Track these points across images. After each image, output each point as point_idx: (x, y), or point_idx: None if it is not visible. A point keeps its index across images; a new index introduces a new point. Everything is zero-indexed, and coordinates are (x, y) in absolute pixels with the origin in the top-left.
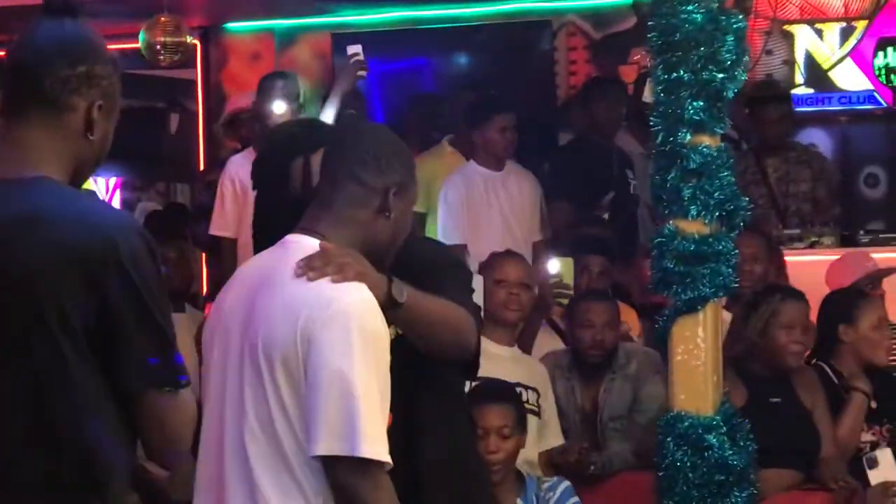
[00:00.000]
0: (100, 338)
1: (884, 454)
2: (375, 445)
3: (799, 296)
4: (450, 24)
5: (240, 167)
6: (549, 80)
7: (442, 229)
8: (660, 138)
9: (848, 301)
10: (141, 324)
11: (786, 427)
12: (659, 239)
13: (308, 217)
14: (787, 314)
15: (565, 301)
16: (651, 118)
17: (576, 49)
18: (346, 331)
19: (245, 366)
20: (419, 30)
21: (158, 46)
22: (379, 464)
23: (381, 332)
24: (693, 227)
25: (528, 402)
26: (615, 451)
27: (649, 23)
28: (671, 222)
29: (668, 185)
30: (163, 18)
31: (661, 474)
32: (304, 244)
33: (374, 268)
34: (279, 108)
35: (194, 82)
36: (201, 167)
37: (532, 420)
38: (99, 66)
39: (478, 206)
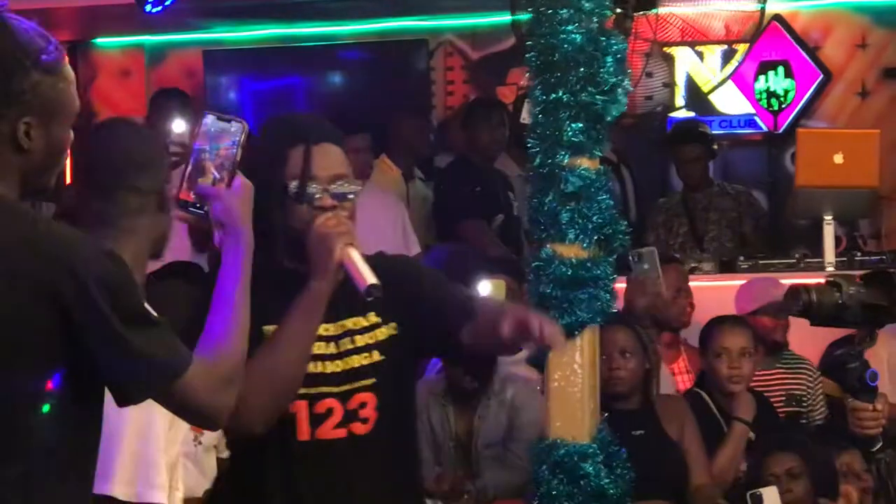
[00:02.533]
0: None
1: (769, 493)
2: None
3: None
4: (323, 43)
5: None
6: (426, 100)
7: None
8: (538, 160)
9: (709, 328)
10: (117, 352)
11: (650, 458)
12: (536, 263)
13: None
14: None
15: None
16: (529, 140)
17: (453, 69)
18: None
19: None
20: (292, 48)
21: None
22: None
23: None
24: (571, 251)
25: None
26: (490, 479)
27: (528, 42)
28: (549, 246)
29: (546, 209)
30: None
31: (536, 502)
32: None
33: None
34: (179, 126)
35: None
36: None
37: None
38: (16, 80)
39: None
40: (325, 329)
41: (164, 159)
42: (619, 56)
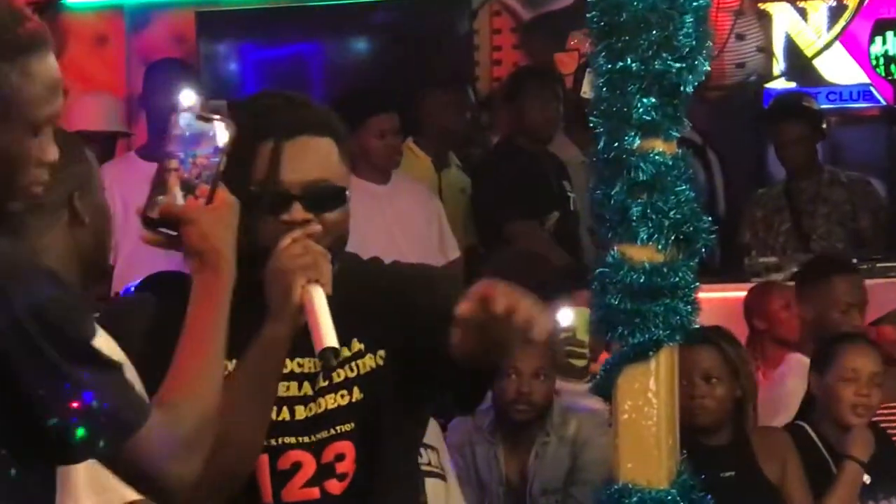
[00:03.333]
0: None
1: None
2: None
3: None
4: (344, 2)
5: (117, 179)
6: (468, 70)
7: None
8: (602, 143)
9: (831, 345)
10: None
11: None
12: (601, 269)
13: None
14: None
15: (581, 362)
16: (591, 118)
17: (501, 32)
18: None
19: None
20: (305, 8)
21: None
22: None
23: None
24: (643, 253)
25: (429, 463)
26: None
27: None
28: (616, 248)
29: (613, 202)
30: None
31: None
32: None
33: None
34: (188, 97)
35: None
36: None
37: (437, 484)
38: None
39: (360, 225)
40: (299, 365)
41: (73, 162)
42: (700, 14)
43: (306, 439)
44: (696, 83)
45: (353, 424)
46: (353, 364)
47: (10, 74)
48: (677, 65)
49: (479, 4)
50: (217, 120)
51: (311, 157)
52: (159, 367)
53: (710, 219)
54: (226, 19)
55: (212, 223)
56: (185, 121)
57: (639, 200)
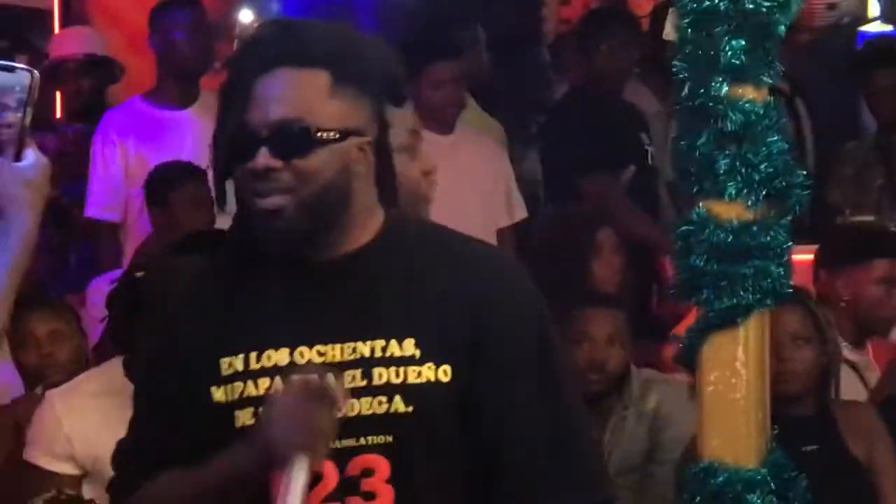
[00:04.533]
0: None
1: None
2: None
3: None
4: None
5: (122, 125)
6: (533, 11)
7: None
8: (686, 90)
9: None
10: None
11: (828, 483)
12: (685, 227)
13: None
14: None
15: None
16: (674, 63)
17: None
18: None
19: None
20: None
21: None
22: None
23: None
24: (731, 210)
25: None
26: None
27: None
28: (701, 204)
29: (698, 154)
30: None
31: None
32: None
33: None
34: (247, 15)
35: (48, 13)
36: None
37: None
38: None
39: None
40: (320, 353)
41: None
42: None
43: (334, 443)
44: (788, 23)
45: (388, 438)
46: (401, 369)
47: None
48: (768, 3)
49: None
50: (19, 69)
51: (283, 94)
52: (194, 328)
53: (803, 173)
54: None
55: (15, 182)
56: None
57: (727, 152)
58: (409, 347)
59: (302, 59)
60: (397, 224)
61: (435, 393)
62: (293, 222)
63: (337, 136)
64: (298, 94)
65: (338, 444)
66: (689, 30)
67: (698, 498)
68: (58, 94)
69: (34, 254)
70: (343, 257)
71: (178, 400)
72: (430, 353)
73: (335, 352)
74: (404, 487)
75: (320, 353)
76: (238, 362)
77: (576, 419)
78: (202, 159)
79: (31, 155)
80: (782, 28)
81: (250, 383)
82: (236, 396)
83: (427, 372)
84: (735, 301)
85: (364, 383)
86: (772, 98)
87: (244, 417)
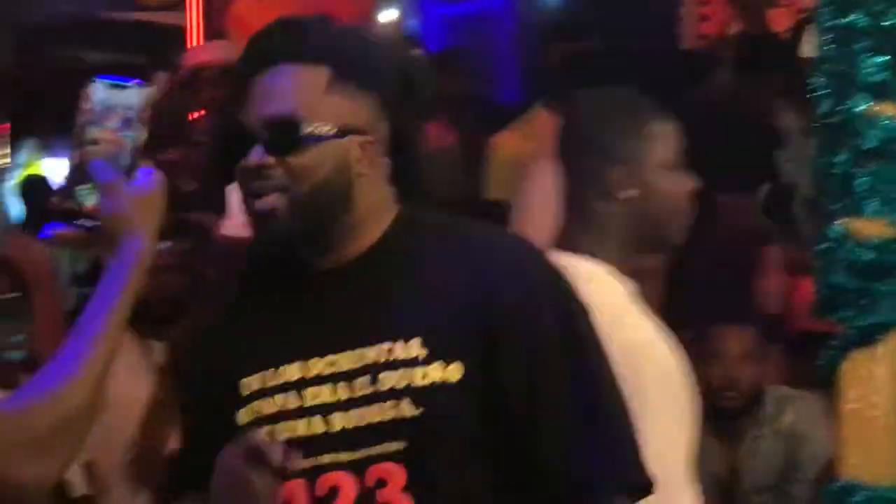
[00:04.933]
0: None
1: None
2: None
3: None
4: None
5: None
6: (670, 28)
7: (517, 220)
8: (825, 107)
9: None
10: None
11: None
12: (824, 245)
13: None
14: None
15: None
16: (813, 80)
17: None
18: None
19: None
20: None
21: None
22: None
23: None
24: (871, 227)
25: None
26: None
27: None
28: (840, 222)
29: (837, 172)
30: None
31: None
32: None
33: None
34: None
35: (185, 30)
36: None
37: None
38: None
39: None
40: (330, 363)
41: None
42: None
43: (346, 456)
44: None
45: (401, 445)
46: (407, 371)
47: None
48: None
49: None
50: (131, 86)
51: (278, 89)
52: (219, 351)
53: None
54: None
55: (129, 203)
56: (98, 90)
57: (867, 169)
58: (416, 348)
59: (300, 55)
60: (407, 221)
61: (444, 393)
62: (288, 222)
63: (333, 132)
64: (294, 89)
65: (356, 454)
66: (829, 46)
67: None
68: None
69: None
70: (349, 261)
71: (210, 422)
72: (438, 352)
73: (344, 360)
74: (423, 495)
75: (331, 364)
76: (255, 382)
77: (609, 399)
78: None
79: (145, 173)
80: None
81: (266, 402)
82: (253, 417)
83: (434, 373)
84: (875, 319)
85: (372, 390)
86: None
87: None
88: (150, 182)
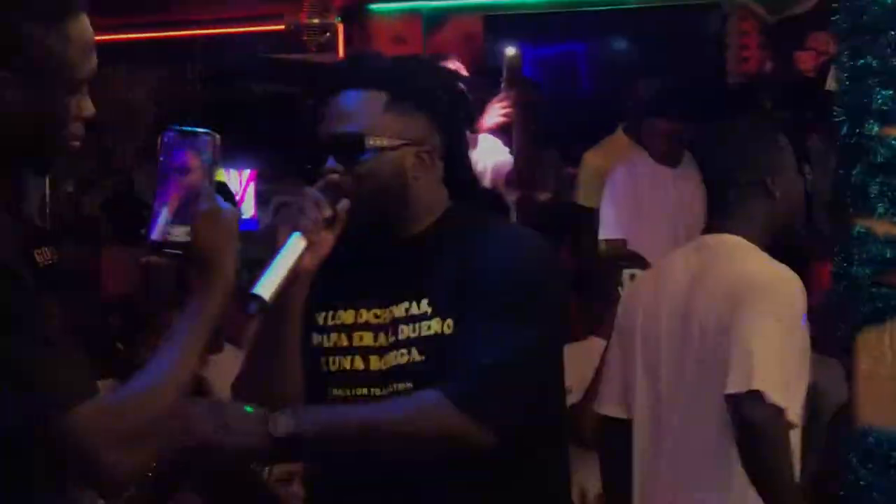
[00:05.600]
0: None
1: None
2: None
3: None
4: (610, 7)
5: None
6: (718, 67)
7: (602, 221)
8: (845, 130)
9: None
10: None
11: None
12: (845, 241)
13: (715, 219)
14: None
15: None
16: (834, 108)
17: (748, 34)
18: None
19: (682, 344)
20: (576, 12)
21: (304, 28)
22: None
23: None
24: (881, 226)
25: None
26: None
27: (834, 4)
28: (860, 223)
29: (853, 182)
30: None
31: (842, 493)
32: (726, 243)
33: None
34: (510, 50)
35: None
36: None
37: None
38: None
39: (641, 200)
40: (376, 315)
41: (766, 149)
42: None
43: (378, 391)
44: None
45: (410, 384)
46: (416, 325)
47: (49, 37)
48: None
49: (730, 10)
50: (201, 133)
51: (344, 110)
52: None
53: None
54: (509, 22)
55: (211, 230)
56: (171, 138)
57: (876, 180)
58: (424, 306)
59: (364, 82)
60: (452, 215)
61: (442, 342)
62: (357, 217)
63: (390, 145)
64: (358, 110)
65: (384, 391)
66: (847, 82)
67: (853, 454)
68: None
69: None
70: (404, 240)
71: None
72: (438, 310)
73: (383, 315)
74: None
75: (376, 316)
76: (320, 318)
77: (516, 343)
78: None
79: (227, 206)
80: None
81: (324, 337)
82: (316, 345)
83: (435, 325)
84: (885, 303)
85: (393, 339)
86: None
87: (322, 364)
88: (232, 214)
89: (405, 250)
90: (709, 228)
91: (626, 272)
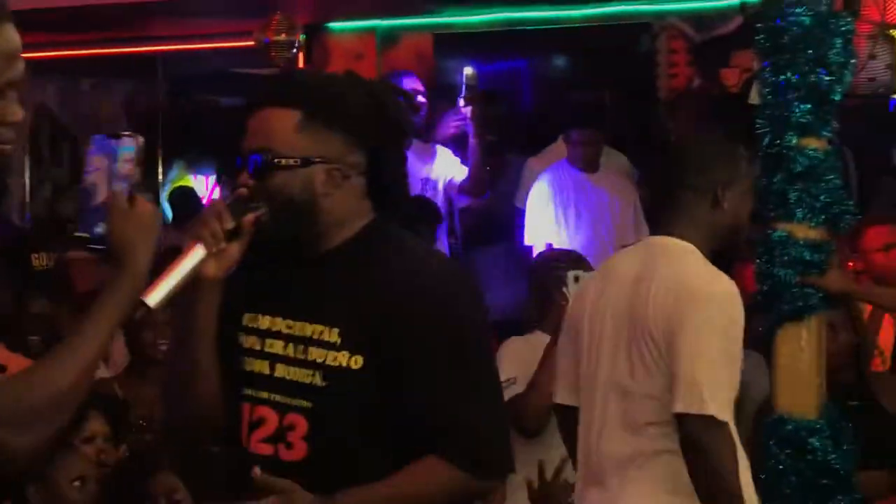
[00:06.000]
0: None
1: None
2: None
3: None
4: (550, 26)
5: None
6: (649, 82)
7: (527, 226)
8: (766, 140)
9: None
10: None
11: (869, 429)
12: (767, 244)
13: (662, 222)
14: None
15: None
16: (757, 121)
17: (677, 52)
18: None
19: (623, 342)
20: (518, 31)
21: (272, 44)
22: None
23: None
24: (800, 230)
25: None
26: None
27: (757, 25)
28: (782, 227)
29: (775, 188)
30: (276, 17)
31: (763, 476)
32: (668, 245)
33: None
34: (469, 69)
35: None
36: None
37: None
38: None
39: (565, 205)
40: (288, 326)
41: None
42: (847, 37)
43: (277, 398)
44: (842, 93)
45: (308, 404)
46: (325, 351)
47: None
48: (828, 78)
49: (659, 30)
50: (125, 136)
51: (260, 128)
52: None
53: (852, 202)
54: (458, 40)
55: (126, 224)
56: (97, 141)
57: (796, 187)
58: (334, 336)
59: (278, 100)
60: (369, 233)
61: (347, 375)
62: (269, 230)
63: (297, 162)
64: (272, 128)
65: (280, 399)
66: (769, 96)
67: (772, 440)
68: None
69: None
70: (319, 255)
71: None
72: (347, 344)
73: (295, 327)
74: (316, 445)
75: (288, 327)
76: (245, 319)
77: (459, 393)
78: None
79: (143, 204)
80: (838, 96)
81: (245, 338)
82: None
83: (342, 358)
84: (805, 303)
85: (303, 357)
86: (829, 147)
87: (237, 364)
88: (144, 212)
89: (318, 267)
90: (655, 230)
91: (571, 273)
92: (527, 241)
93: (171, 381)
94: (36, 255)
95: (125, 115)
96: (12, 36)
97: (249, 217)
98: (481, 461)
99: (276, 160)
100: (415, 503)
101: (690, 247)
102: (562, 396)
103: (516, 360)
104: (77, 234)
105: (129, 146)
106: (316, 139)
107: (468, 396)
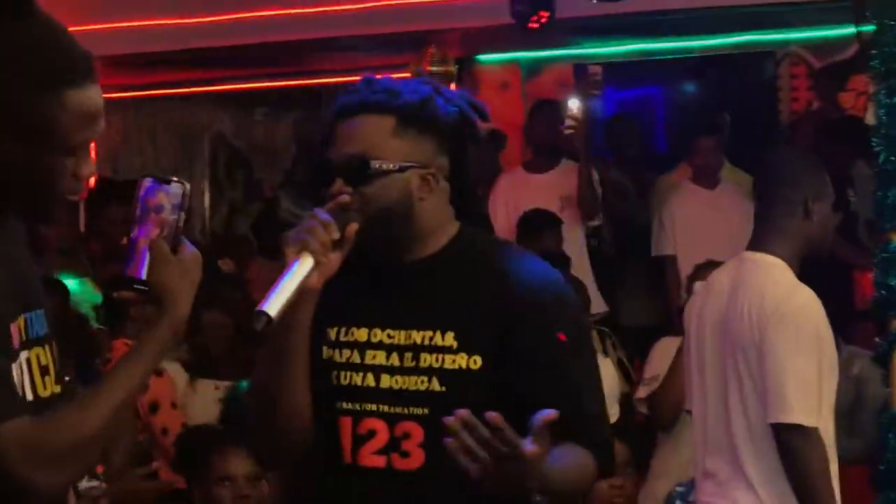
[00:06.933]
0: None
1: None
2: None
3: None
4: (680, 56)
5: (507, 189)
6: (771, 103)
7: (654, 241)
8: (882, 158)
9: None
10: None
11: None
12: (884, 254)
13: (755, 237)
14: None
15: None
16: (873, 139)
17: (798, 77)
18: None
19: (720, 355)
20: (652, 61)
21: (428, 75)
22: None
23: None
24: None
25: None
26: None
27: (872, 51)
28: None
29: (890, 202)
30: (431, 50)
31: (882, 468)
32: (758, 260)
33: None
34: (574, 102)
35: None
36: None
37: None
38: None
39: (688, 221)
40: (389, 336)
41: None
42: None
43: (385, 408)
44: None
45: (426, 410)
46: (439, 356)
47: (43, 104)
48: None
49: (781, 57)
50: (173, 181)
51: (354, 134)
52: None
53: None
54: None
55: (171, 272)
56: (147, 185)
57: None
58: (450, 339)
59: (373, 107)
60: (465, 238)
61: (466, 377)
62: (366, 237)
63: (396, 168)
64: (366, 135)
65: (391, 409)
66: (884, 116)
67: (890, 434)
68: None
69: None
70: (416, 262)
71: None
72: (465, 345)
73: (398, 336)
74: (433, 452)
75: (389, 336)
76: (333, 333)
77: (586, 385)
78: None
79: (186, 250)
80: None
81: (336, 351)
82: (328, 358)
83: (460, 360)
84: None
85: (413, 364)
86: None
87: (332, 378)
88: (190, 259)
89: (420, 272)
90: (751, 244)
91: (697, 283)
92: (654, 253)
93: (263, 396)
94: (223, 262)
95: (294, 143)
96: (95, 96)
97: (353, 226)
98: (609, 456)
99: (374, 166)
100: (575, 484)
101: (778, 261)
102: (688, 402)
103: (666, 358)
104: (125, 273)
105: (176, 192)
106: (411, 144)
107: (591, 386)
